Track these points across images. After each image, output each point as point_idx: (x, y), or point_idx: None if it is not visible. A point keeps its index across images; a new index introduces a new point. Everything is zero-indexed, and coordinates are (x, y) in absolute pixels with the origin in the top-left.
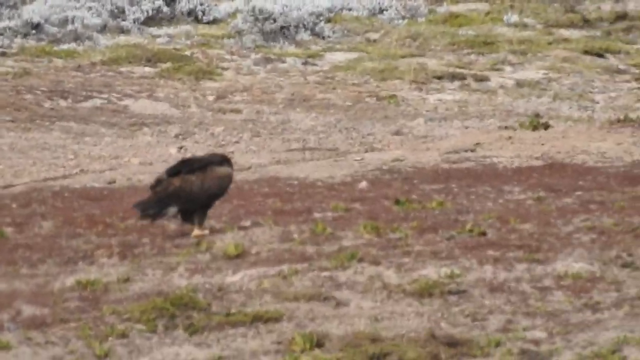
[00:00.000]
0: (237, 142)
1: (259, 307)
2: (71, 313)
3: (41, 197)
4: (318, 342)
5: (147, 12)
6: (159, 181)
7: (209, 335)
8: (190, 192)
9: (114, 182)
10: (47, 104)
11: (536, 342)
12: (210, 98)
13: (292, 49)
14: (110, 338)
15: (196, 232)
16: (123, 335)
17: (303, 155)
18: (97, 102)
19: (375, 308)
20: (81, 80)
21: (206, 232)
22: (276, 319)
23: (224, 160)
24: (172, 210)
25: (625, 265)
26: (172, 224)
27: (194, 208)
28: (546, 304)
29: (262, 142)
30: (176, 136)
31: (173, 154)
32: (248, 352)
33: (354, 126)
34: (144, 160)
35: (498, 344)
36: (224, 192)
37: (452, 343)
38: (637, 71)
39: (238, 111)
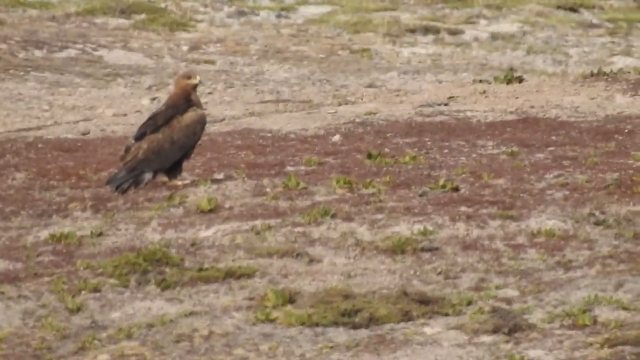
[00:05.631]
0: (210, 93)
1: (232, 262)
2: (45, 267)
3: (15, 148)
4: (290, 299)
5: None
6: (127, 149)
7: (181, 291)
8: (160, 152)
9: (88, 133)
10: (22, 54)
11: (508, 301)
12: (184, 49)
13: (265, 2)
14: (82, 292)
15: (173, 181)
16: (95, 289)
17: (277, 107)
18: (72, 52)
19: (347, 265)
20: (56, 31)
21: (186, 181)
22: (249, 275)
23: (189, 105)
24: (147, 176)
25: (597, 223)
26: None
27: (170, 165)
28: (519, 262)
29: (235, 93)
30: (149, 87)
31: (146, 105)
32: (220, 307)
33: (328, 79)
34: (118, 111)
35: (470, 303)
36: (198, 137)
37: (424, 300)
38: (610, 26)
39: (212, 62)
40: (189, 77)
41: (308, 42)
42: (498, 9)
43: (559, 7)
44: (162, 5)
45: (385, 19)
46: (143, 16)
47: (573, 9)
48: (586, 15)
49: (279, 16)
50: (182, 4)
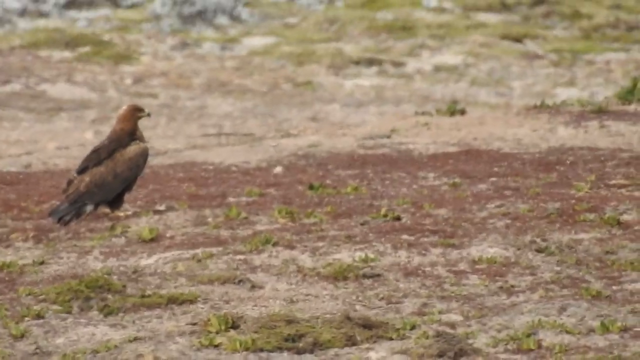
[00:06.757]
0: (153, 127)
1: (174, 289)
2: None
3: None
4: (233, 324)
5: None
6: (69, 182)
7: (125, 317)
8: (103, 184)
9: (30, 166)
10: None
11: (452, 325)
12: (128, 82)
13: (209, 33)
14: (26, 319)
15: (115, 213)
16: (39, 316)
17: (219, 141)
18: (16, 87)
19: (290, 290)
20: None
21: (128, 213)
22: (191, 300)
23: (132, 139)
24: (89, 208)
25: (539, 250)
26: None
27: (112, 197)
28: (461, 287)
29: (178, 127)
30: (93, 121)
31: (89, 139)
32: (164, 333)
33: (270, 112)
34: (61, 145)
35: (413, 327)
36: (141, 170)
37: (367, 325)
38: (555, 57)
39: (155, 96)
40: (140, 110)
41: (252, 75)
42: (441, 39)
43: (503, 38)
44: (106, 38)
45: (329, 51)
46: (87, 49)
47: (517, 40)
48: (530, 46)
49: (223, 48)
50: (126, 37)
